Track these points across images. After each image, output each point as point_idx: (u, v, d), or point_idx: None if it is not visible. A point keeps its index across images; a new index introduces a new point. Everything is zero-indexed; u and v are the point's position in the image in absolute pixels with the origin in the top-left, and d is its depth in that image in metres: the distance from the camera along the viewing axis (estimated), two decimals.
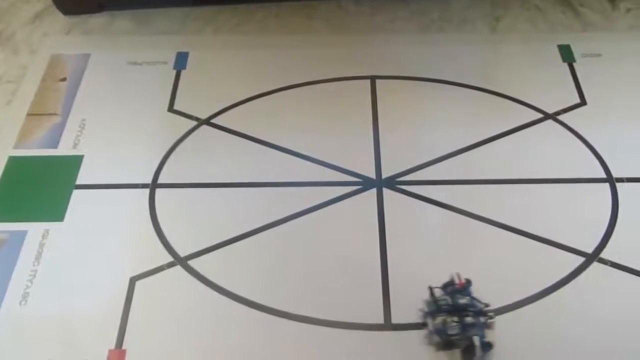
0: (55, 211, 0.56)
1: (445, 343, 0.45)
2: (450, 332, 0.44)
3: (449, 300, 0.46)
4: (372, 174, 0.57)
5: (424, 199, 0.55)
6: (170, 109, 0.63)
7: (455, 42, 0.68)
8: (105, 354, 0.47)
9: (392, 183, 0.56)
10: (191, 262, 0.52)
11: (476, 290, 0.49)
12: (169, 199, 0.56)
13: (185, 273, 0.51)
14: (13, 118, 0.63)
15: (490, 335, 0.45)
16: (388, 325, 0.48)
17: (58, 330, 0.49)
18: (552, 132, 0.59)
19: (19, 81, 0.67)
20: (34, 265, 0.52)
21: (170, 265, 0.52)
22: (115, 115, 0.63)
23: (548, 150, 0.58)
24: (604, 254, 0.51)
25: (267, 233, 0.54)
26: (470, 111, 0.62)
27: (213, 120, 0.62)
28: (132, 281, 0.51)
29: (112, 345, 0.48)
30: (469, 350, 0.44)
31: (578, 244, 0.51)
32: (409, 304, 0.49)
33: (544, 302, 0.48)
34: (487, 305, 0.46)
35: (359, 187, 0.56)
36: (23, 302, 0.50)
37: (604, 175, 0.56)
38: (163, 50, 0.68)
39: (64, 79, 0.66)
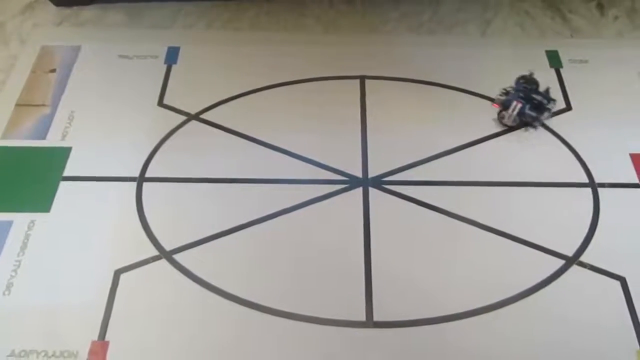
0: (41, 202, 0.56)
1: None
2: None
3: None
4: (359, 173, 0.58)
5: (410, 199, 0.56)
6: (160, 103, 0.63)
7: (446, 45, 0.69)
8: (88, 345, 0.48)
9: (379, 182, 0.57)
10: (176, 256, 0.52)
11: (458, 291, 0.50)
12: (156, 193, 0.56)
13: (170, 267, 0.52)
14: (1, 108, 0.63)
15: (468, 336, 0.46)
16: (370, 322, 0.48)
17: (41, 321, 0.49)
18: (537, 136, 0.60)
19: (8, 71, 0.67)
20: (18, 255, 0.52)
21: (155, 258, 0.52)
22: (104, 108, 0.63)
23: (533, 154, 0.59)
24: (583, 257, 0.52)
25: (253, 229, 0.54)
26: (458, 114, 0.62)
27: (202, 116, 0.62)
28: (117, 274, 0.51)
29: (95, 337, 0.48)
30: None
31: (559, 247, 0.52)
32: (391, 303, 0.49)
33: (524, 303, 0.49)
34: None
35: (346, 185, 0.57)
36: (7, 292, 0.50)
37: (586, 180, 0.57)
38: (154, 45, 0.69)
39: (53, 70, 0.66)
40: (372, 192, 0.56)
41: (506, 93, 0.61)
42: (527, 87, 0.61)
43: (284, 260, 0.52)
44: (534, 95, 0.60)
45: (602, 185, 0.56)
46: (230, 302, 0.49)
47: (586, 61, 0.66)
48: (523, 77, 0.62)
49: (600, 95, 0.63)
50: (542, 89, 0.61)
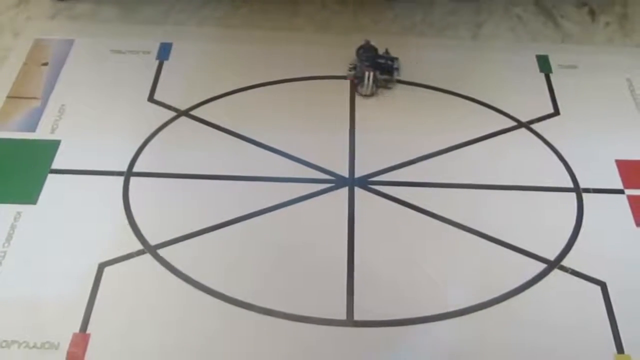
0: (28, 194, 0.56)
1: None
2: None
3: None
4: (346, 173, 0.58)
5: (395, 200, 0.56)
6: (151, 98, 0.64)
7: (436, 47, 0.69)
8: (70, 337, 0.48)
9: (365, 182, 0.57)
10: (160, 251, 0.53)
11: (439, 292, 0.50)
12: (143, 188, 0.57)
13: (154, 261, 0.52)
14: None
15: (447, 338, 0.46)
16: (350, 322, 0.49)
17: (24, 312, 0.49)
18: (524, 140, 0.61)
19: (1, 64, 0.67)
20: (3, 246, 0.53)
21: (139, 253, 0.52)
22: (95, 102, 0.63)
23: (519, 157, 0.59)
24: (565, 262, 0.52)
25: (238, 226, 0.54)
26: (446, 116, 0.63)
27: (192, 112, 0.63)
28: (101, 267, 0.51)
29: (77, 329, 0.48)
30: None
31: (541, 251, 0.53)
32: (372, 303, 0.50)
33: (504, 306, 0.50)
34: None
35: (332, 185, 0.57)
36: None
37: (571, 185, 0.57)
38: (147, 40, 0.69)
39: (45, 64, 0.67)
40: (358, 192, 0.57)
41: (354, 67, 0.65)
42: (369, 55, 0.65)
43: (267, 258, 0.52)
44: (379, 60, 0.64)
45: (587, 190, 0.57)
46: (213, 298, 0.50)
47: (575, 67, 0.67)
48: (361, 47, 0.66)
49: (588, 100, 0.64)
50: (381, 52, 0.66)
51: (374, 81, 0.62)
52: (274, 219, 0.55)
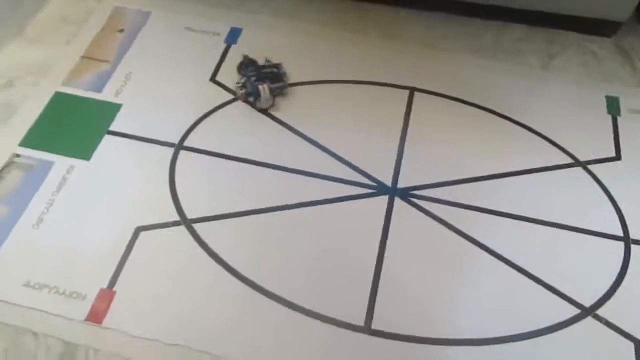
0: (84, 150, 0.59)
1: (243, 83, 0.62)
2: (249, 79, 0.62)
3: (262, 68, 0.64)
4: (389, 182, 0.57)
5: (433, 217, 0.55)
6: (213, 79, 0.65)
7: (504, 72, 0.67)
8: (97, 291, 0.50)
9: (406, 194, 0.57)
10: (195, 226, 0.54)
11: (462, 317, 0.49)
12: (190, 163, 0.58)
13: (188, 234, 0.53)
14: (68, 58, 0.67)
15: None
16: (367, 329, 0.48)
17: (59, 261, 0.51)
18: (578, 180, 0.58)
19: (82, 25, 0.70)
20: (53, 195, 0.55)
21: (175, 223, 0.54)
22: (160, 74, 0.65)
23: (570, 196, 0.57)
24: (600, 311, 0.50)
25: (274, 215, 0.55)
26: (502, 142, 0.61)
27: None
28: (137, 231, 0.53)
29: (105, 285, 0.50)
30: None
31: (577, 296, 0.51)
32: (393, 315, 0.49)
33: (527, 343, 0.48)
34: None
35: (373, 191, 0.57)
36: (36, 226, 0.53)
37: (621, 234, 0.55)
38: (219, 23, 0.71)
39: (122, 31, 0.70)
40: (398, 202, 0.56)
41: (243, 86, 0.63)
42: (253, 69, 0.64)
43: (297, 251, 0.52)
44: (265, 72, 0.64)
45: (637, 242, 0.54)
46: (237, 280, 0.50)
47: None
48: (242, 64, 0.65)
49: None
50: (261, 62, 0.65)
51: (270, 92, 0.61)
52: (312, 215, 0.55)
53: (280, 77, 0.64)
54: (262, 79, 0.62)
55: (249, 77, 0.63)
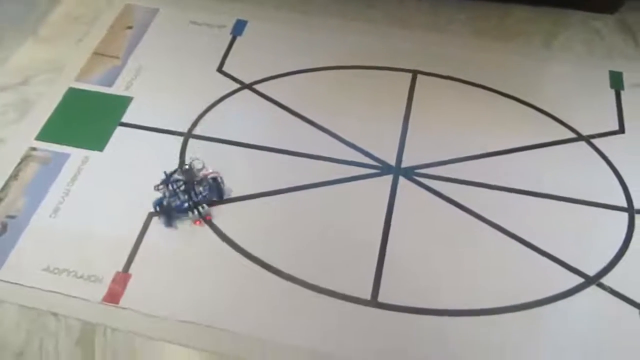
0: (98, 141, 0.61)
1: (158, 187, 0.55)
2: (170, 185, 0.54)
3: (196, 180, 0.54)
4: (393, 161, 0.59)
5: (437, 194, 0.56)
6: (219, 69, 0.67)
7: (507, 52, 0.68)
8: (113, 274, 0.52)
9: (410, 173, 0.58)
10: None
11: (466, 289, 0.50)
12: (199, 150, 0.60)
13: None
14: (80, 55, 0.69)
15: (467, 334, 0.46)
16: (374, 302, 0.49)
17: (77, 246, 0.53)
18: (582, 154, 0.59)
19: (93, 23, 0.73)
20: (69, 185, 0.58)
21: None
22: (168, 67, 0.68)
23: (574, 170, 0.58)
24: (605, 280, 0.50)
25: (282, 197, 0.56)
26: (505, 120, 0.62)
27: (255, 87, 0.65)
28: (150, 216, 0.55)
29: (120, 269, 0.52)
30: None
31: (581, 265, 0.51)
32: (399, 288, 0.50)
33: (531, 312, 0.49)
34: (204, 209, 0.54)
35: (378, 171, 0.58)
36: (53, 215, 0.55)
37: (625, 205, 0.55)
38: (224, 15, 0.73)
39: (130, 27, 0.72)
40: (402, 181, 0.57)
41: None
42: (176, 186, 0.54)
43: (305, 230, 0.54)
44: (192, 187, 0.54)
45: None
46: (245, 259, 0.52)
47: None
48: (163, 184, 0.55)
49: None
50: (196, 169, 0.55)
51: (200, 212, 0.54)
52: (318, 195, 0.56)
53: (216, 190, 0.55)
54: (190, 189, 0.54)
55: (176, 194, 0.54)
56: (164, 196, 0.54)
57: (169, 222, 0.54)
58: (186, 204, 0.54)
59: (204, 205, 0.54)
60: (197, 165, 0.55)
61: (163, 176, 0.55)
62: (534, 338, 0.47)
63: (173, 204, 0.54)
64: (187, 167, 0.55)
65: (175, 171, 0.55)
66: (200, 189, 0.54)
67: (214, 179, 0.54)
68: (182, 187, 0.54)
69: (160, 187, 0.54)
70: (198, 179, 0.54)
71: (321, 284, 0.51)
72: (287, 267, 0.52)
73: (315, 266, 0.52)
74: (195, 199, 0.54)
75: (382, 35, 0.70)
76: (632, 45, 0.68)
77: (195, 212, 0.54)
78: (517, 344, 0.47)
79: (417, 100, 0.64)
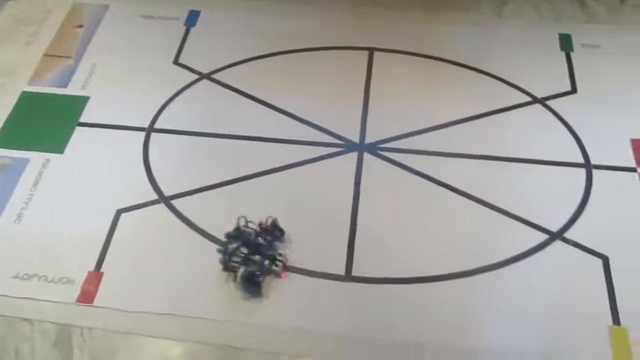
0: (57, 144, 0.60)
1: (226, 265, 0.50)
2: (234, 258, 0.50)
3: (252, 236, 0.51)
4: (356, 139, 0.59)
5: (403, 166, 0.57)
6: (176, 61, 0.67)
7: (459, 22, 0.69)
8: (85, 274, 0.51)
9: (374, 148, 0.58)
10: (174, 202, 0.55)
11: (438, 255, 0.51)
12: (161, 143, 0.60)
13: (167, 210, 0.55)
14: (30, 57, 0.67)
15: (441, 298, 0.48)
16: (348, 277, 0.50)
17: (45, 249, 0.53)
18: (538, 116, 0.60)
19: (41, 24, 0.71)
20: (31, 190, 0.56)
21: (154, 202, 0.55)
22: (123, 63, 0.67)
23: (531, 132, 0.59)
24: (568, 234, 0.52)
25: (248, 182, 0.57)
26: (462, 89, 0.63)
27: (214, 76, 0.65)
28: (118, 213, 0.55)
29: (92, 268, 0.51)
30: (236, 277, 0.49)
31: (544, 222, 0.53)
32: (370, 261, 0.51)
33: (501, 271, 0.50)
34: (281, 255, 0.50)
35: (342, 149, 0.59)
36: (17, 221, 0.54)
37: (582, 161, 0.57)
38: (176, 7, 0.72)
39: (80, 26, 0.70)
40: (367, 157, 0.58)
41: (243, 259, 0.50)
42: (239, 252, 0.50)
43: (274, 214, 0.54)
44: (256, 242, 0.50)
45: (598, 167, 0.56)
46: (217, 246, 0.52)
47: (598, 46, 0.66)
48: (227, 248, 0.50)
49: (608, 80, 0.63)
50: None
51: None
52: (284, 178, 0.57)
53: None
54: (252, 246, 0.50)
55: (241, 235, 0.50)
56: (241, 269, 0.49)
57: (260, 290, 0.49)
58: (266, 261, 0.50)
59: (280, 252, 0.51)
60: (241, 222, 0.51)
61: (219, 256, 0.50)
62: (505, 296, 0.49)
63: (254, 270, 0.49)
64: (235, 230, 0.51)
65: (227, 243, 0.51)
66: (260, 239, 0.51)
67: (272, 221, 0.52)
68: (246, 250, 0.50)
69: (234, 265, 0.49)
70: (253, 232, 0.51)
71: (295, 263, 0.51)
72: None
73: (287, 248, 0.52)
74: (268, 251, 0.50)
75: (337, 17, 0.71)
76: (579, 8, 0.70)
77: (279, 263, 0.50)
78: (488, 303, 0.49)
79: (375, 77, 0.64)
